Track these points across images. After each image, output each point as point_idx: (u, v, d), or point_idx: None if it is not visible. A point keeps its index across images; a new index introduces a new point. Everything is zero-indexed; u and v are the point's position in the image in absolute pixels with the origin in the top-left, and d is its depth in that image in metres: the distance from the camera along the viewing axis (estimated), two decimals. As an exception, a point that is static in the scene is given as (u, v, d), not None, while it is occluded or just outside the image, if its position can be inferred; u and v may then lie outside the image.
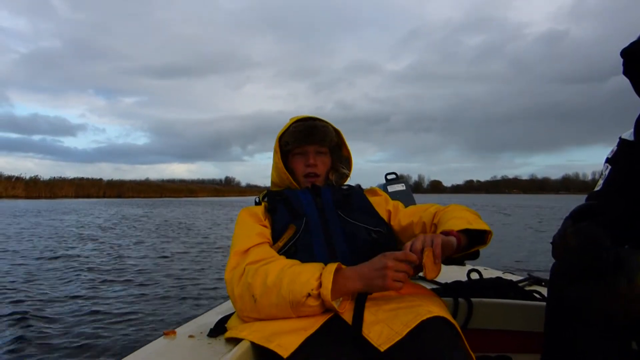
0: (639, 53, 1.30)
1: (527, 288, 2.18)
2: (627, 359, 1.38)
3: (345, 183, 1.90)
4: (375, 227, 1.65)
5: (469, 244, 1.53)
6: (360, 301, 1.37)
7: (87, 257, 10.13)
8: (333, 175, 1.88)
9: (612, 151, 1.58)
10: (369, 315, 1.33)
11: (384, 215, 1.77)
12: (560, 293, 1.33)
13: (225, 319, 1.58)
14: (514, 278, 2.42)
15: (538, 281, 2.36)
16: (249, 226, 1.62)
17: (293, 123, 1.80)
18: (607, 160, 1.58)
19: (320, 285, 1.33)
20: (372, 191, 1.88)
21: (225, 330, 1.50)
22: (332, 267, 1.37)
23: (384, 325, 1.28)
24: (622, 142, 1.56)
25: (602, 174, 1.57)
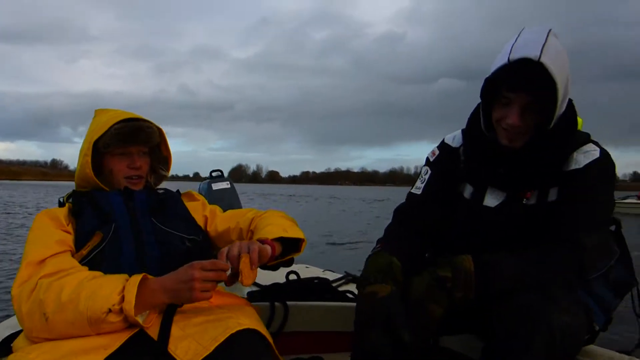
0: (511, 84, 1.34)
1: (343, 287, 2.28)
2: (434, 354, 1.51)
3: (161, 187, 1.79)
4: (190, 235, 1.58)
5: (284, 251, 1.54)
6: (167, 315, 1.31)
7: None
8: (152, 177, 1.76)
9: (433, 152, 1.66)
10: (176, 330, 1.27)
11: (201, 221, 1.71)
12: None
13: (12, 337, 1.39)
14: (333, 277, 2.52)
15: (354, 279, 2.48)
16: (48, 232, 1.44)
17: (114, 124, 1.61)
18: (427, 162, 1.65)
19: (122, 299, 1.23)
20: (189, 195, 1.80)
21: (10, 351, 1.32)
22: (137, 279, 1.27)
23: (192, 341, 1.23)
24: (444, 147, 1.63)
25: (421, 176, 1.64)
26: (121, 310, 1.23)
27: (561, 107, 1.38)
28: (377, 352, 1.24)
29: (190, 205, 1.73)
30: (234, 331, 1.25)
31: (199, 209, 1.74)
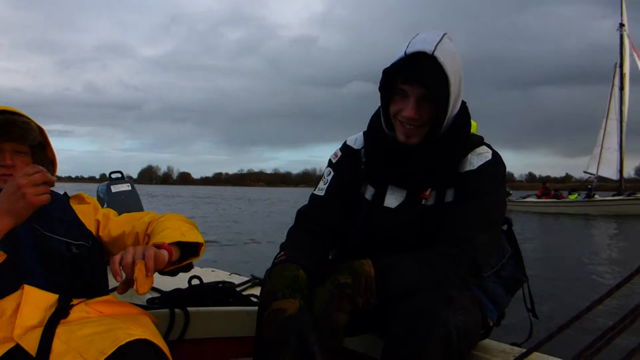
0: (406, 75, 1.38)
1: (248, 291, 2.23)
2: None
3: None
4: (78, 241, 1.47)
5: (183, 255, 1.48)
6: (49, 327, 1.21)
7: None
8: None
9: (335, 154, 1.66)
10: (59, 345, 1.17)
11: (91, 226, 1.59)
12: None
13: None
14: (238, 280, 2.46)
15: (260, 282, 2.43)
16: None
17: None
18: (330, 164, 1.65)
19: None
20: (79, 198, 1.67)
21: None
22: None
23: (77, 355, 1.14)
24: (346, 148, 1.64)
25: (324, 177, 1.63)
26: None
27: (455, 106, 1.43)
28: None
29: (79, 208, 1.60)
30: (123, 342, 1.17)
31: (89, 213, 1.62)
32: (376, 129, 1.54)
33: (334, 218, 1.56)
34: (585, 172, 28.13)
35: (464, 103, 1.50)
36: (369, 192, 1.55)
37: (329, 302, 1.25)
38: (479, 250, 1.35)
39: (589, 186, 26.13)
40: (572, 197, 26.30)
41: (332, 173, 1.62)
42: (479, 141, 1.50)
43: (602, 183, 28.39)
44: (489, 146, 1.51)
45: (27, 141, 1.54)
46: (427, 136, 1.43)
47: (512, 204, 27.70)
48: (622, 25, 26.72)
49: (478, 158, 1.45)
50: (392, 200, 1.50)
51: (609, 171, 26.77)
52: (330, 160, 1.66)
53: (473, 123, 1.54)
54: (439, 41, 1.36)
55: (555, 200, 26.78)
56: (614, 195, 25.72)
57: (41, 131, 1.57)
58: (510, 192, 30.03)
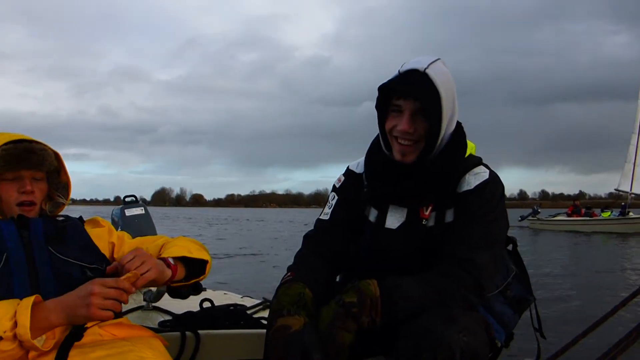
0: (399, 90, 1.46)
1: (259, 314, 2.24)
2: None
3: (63, 212, 1.68)
4: (92, 264, 1.50)
5: (189, 274, 1.55)
6: (63, 350, 1.23)
7: None
8: (47, 205, 1.64)
9: (339, 179, 1.71)
10: None
11: (106, 249, 1.62)
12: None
13: None
14: (250, 303, 2.47)
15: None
16: None
17: (2, 145, 1.50)
18: (334, 189, 1.70)
19: (15, 324, 1.16)
20: (94, 222, 1.70)
21: None
22: (29, 301, 1.21)
23: None
24: (349, 173, 1.69)
25: (329, 202, 1.68)
26: (15, 337, 1.16)
27: (449, 125, 1.48)
28: None
29: (94, 232, 1.64)
30: None
31: (104, 236, 1.65)
32: (375, 151, 1.60)
33: (340, 241, 1.60)
34: (617, 190, 26.74)
35: (459, 124, 1.54)
36: (372, 214, 1.58)
37: (334, 321, 1.26)
38: (482, 270, 1.36)
39: (623, 203, 24.91)
40: (605, 214, 25.00)
41: (337, 197, 1.67)
42: (476, 162, 1.53)
43: (637, 200, 26.66)
44: (486, 166, 1.54)
45: (44, 167, 1.58)
46: (423, 154, 1.47)
47: (541, 223, 27.05)
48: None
49: (475, 178, 1.48)
50: (393, 220, 1.53)
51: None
52: (334, 185, 1.71)
53: (471, 144, 1.57)
54: (432, 62, 1.44)
55: (588, 218, 25.42)
56: None
57: (57, 156, 1.61)
58: (539, 210, 29.39)
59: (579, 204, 27.94)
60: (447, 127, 1.46)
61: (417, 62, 1.44)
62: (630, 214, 23.92)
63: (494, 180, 1.49)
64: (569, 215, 26.61)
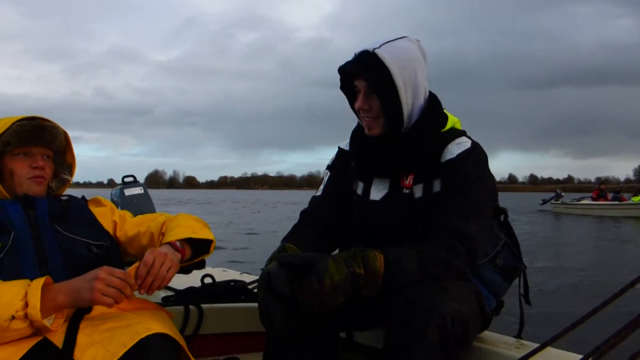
0: (350, 71, 1.52)
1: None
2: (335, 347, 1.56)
3: (65, 193, 1.71)
4: (97, 241, 1.55)
5: (195, 253, 1.57)
6: (73, 322, 1.27)
7: None
8: (53, 182, 1.67)
9: (332, 158, 1.78)
10: (83, 337, 1.25)
11: (109, 227, 1.66)
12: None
13: None
14: (249, 279, 2.52)
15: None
16: None
17: (16, 121, 1.53)
18: (327, 167, 1.78)
19: (26, 305, 1.20)
20: (96, 201, 1.74)
21: None
22: (39, 282, 1.24)
23: (100, 347, 1.21)
24: (339, 151, 1.76)
25: (323, 180, 1.75)
26: (26, 316, 1.20)
27: (415, 98, 1.51)
28: (269, 311, 1.28)
29: (97, 211, 1.68)
30: (143, 336, 1.23)
31: (107, 215, 1.69)
32: (357, 129, 1.67)
33: (332, 214, 1.67)
34: None
35: (434, 96, 1.59)
36: (359, 188, 1.64)
37: (342, 283, 1.27)
38: (472, 240, 1.40)
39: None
40: (636, 199, 23.55)
41: (329, 174, 1.75)
42: (459, 133, 1.57)
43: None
44: (469, 137, 1.57)
45: (54, 146, 1.62)
46: (390, 126, 1.52)
47: (565, 207, 26.44)
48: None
49: (458, 147, 1.51)
50: (377, 192, 1.59)
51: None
52: (327, 164, 1.79)
53: (454, 118, 1.61)
54: (389, 41, 1.48)
55: (617, 202, 24.45)
56: None
57: (65, 136, 1.64)
58: (562, 193, 28.59)
59: (604, 187, 27.12)
60: (412, 101, 1.50)
61: (372, 43, 1.48)
62: None
63: (477, 149, 1.53)
64: (594, 199, 25.71)
